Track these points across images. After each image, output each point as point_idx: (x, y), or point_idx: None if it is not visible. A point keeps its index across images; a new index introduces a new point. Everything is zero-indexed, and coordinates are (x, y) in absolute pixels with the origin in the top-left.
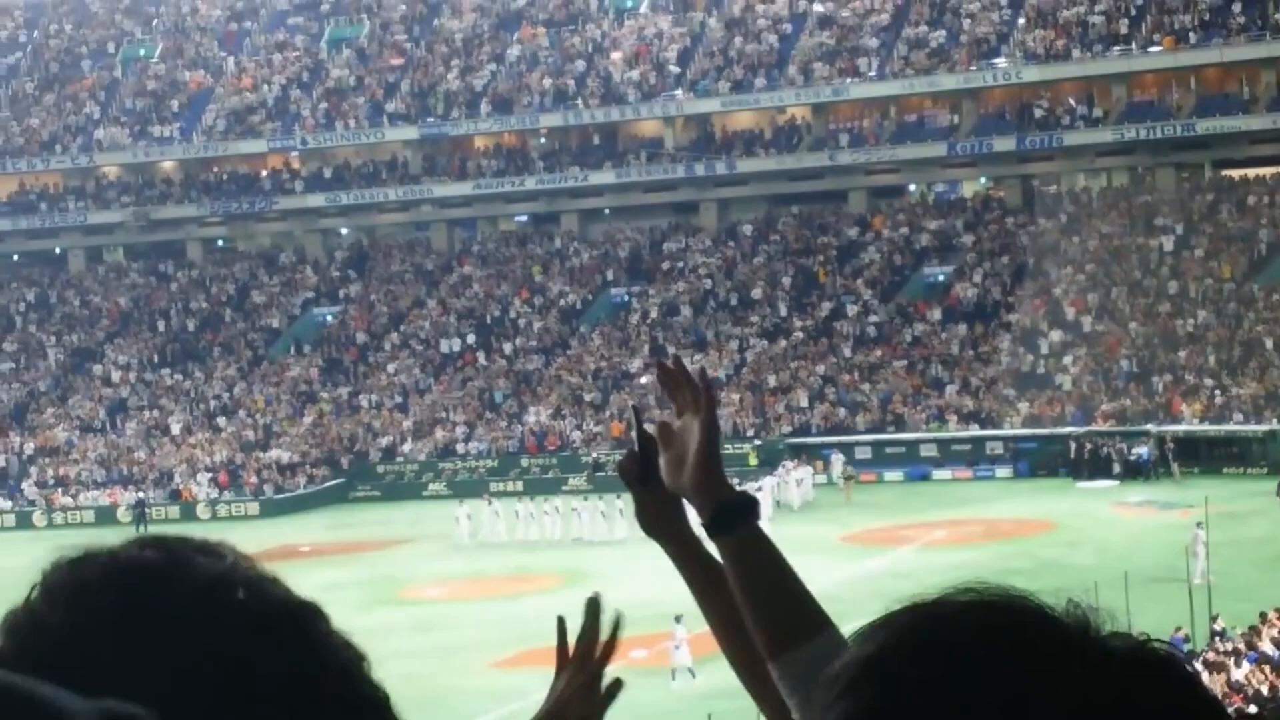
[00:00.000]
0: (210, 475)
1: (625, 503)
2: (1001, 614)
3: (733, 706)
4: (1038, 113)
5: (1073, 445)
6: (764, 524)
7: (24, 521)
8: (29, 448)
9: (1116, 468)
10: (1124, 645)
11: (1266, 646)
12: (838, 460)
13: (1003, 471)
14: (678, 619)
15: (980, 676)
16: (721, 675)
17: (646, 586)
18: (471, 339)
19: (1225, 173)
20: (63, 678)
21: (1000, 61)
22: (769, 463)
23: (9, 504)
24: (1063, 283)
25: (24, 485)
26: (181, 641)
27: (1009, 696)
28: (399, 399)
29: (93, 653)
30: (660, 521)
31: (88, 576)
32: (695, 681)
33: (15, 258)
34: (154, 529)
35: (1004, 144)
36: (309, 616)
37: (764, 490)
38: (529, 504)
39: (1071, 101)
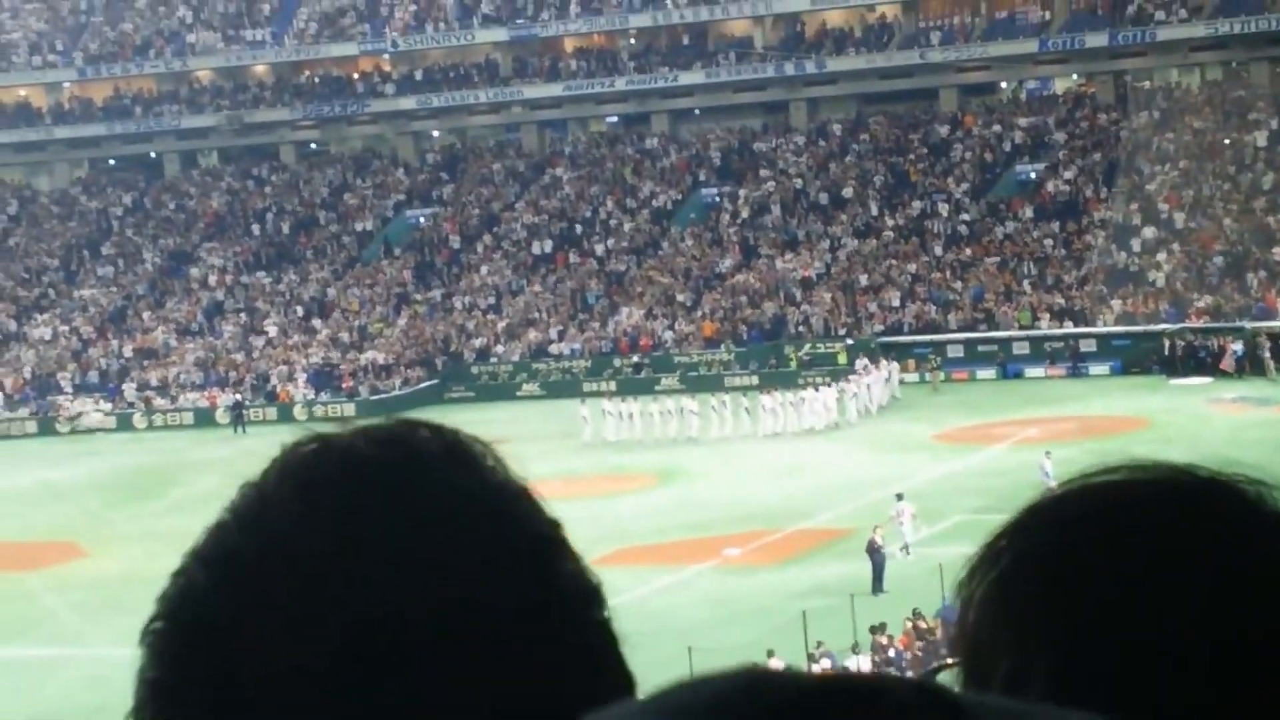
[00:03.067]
0: (306, 375)
1: (724, 400)
2: (1180, 478)
3: (826, 604)
4: (1130, 7)
5: (1166, 342)
6: (851, 425)
7: (124, 424)
8: (128, 350)
9: (1216, 363)
10: None
11: None
12: (891, 367)
13: (1096, 369)
14: (899, 496)
15: (1152, 531)
16: (820, 571)
17: (739, 486)
18: (563, 240)
19: None
20: (286, 573)
21: None
22: (870, 358)
23: (109, 406)
24: (1156, 179)
25: (124, 387)
26: (419, 565)
27: (1181, 553)
28: (492, 300)
29: (317, 549)
30: None
31: (323, 471)
32: (906, 559)
33: (111, 162)
34: (252, 430)
35: (1096, 40)
36: (551, 550)
37: (832, 396)
38: (636, 403)
39: None
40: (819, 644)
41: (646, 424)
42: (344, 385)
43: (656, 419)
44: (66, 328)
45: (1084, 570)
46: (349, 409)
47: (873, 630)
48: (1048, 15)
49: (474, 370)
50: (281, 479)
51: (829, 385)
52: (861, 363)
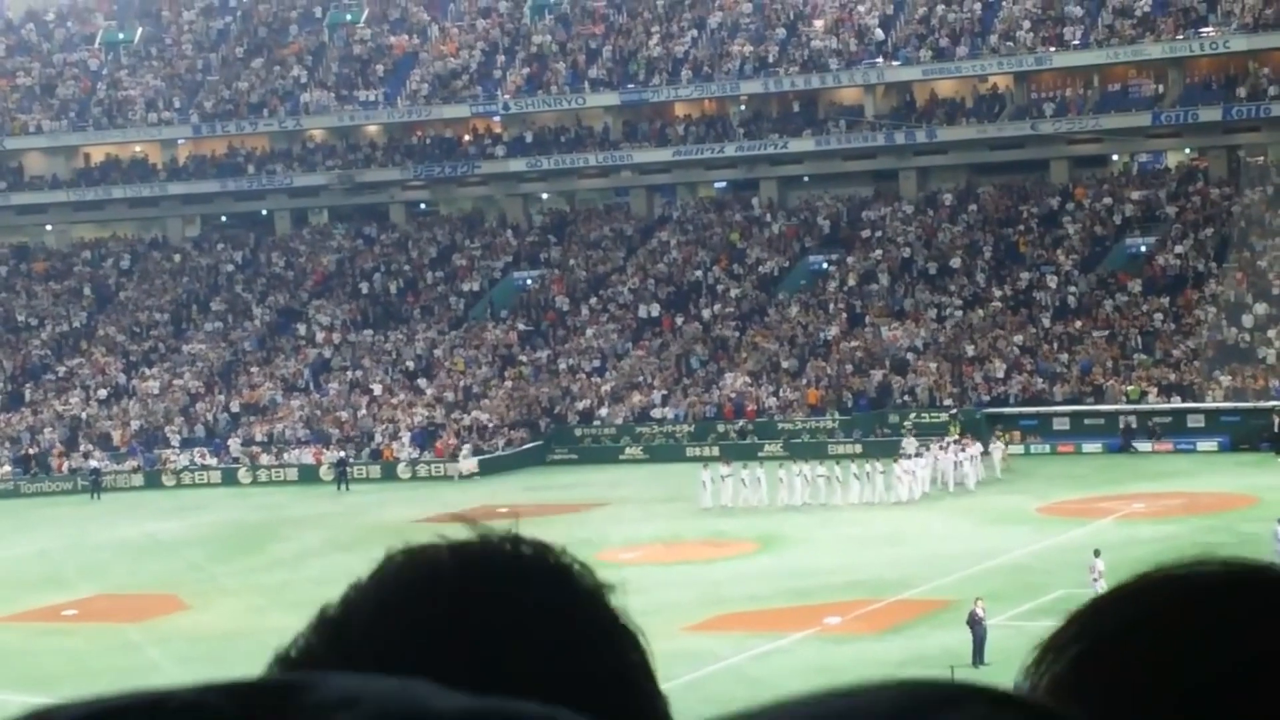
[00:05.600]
0: (411, 435)
1: (853, 469)
2: (1245, 575)
3: (925, 675)
4: (1244, 83)
5: (1276, 419)
6: (949, 495)
7: (229, 478)
8: (235, 406)
9: None
10: None
11: None
12: (996, 448)
13: (1204, 445)
14: (1096, 553)
15: (1231, 635)
16: (921, 641)
17: (840, 554)
18: (669, 304)
19: None
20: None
21: (1207, 30)
22: (971, 431)
23: (215, 461)
24: (1268, 255)
25: (230, 443)
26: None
27: (1241, 651)
28: (597, 363)
29: (385, 665)
30: None
31: (401, 588)
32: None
33: (223, 219)
34: (355, 488)
35: (1209, 114)
36: (634, 687)
37: (924, 467)
38: (761, 468)
39: None
40: None
41: (771, 489)
42: (448, 445)
43: (783, 484)
44: (175, 382)
45: (1146, 665)
46: (452, 469)
47: None
48: (1161, 89)
49: (577, 433)
50: (374, 593)
51: (929, 451)
52: (909, 442)
